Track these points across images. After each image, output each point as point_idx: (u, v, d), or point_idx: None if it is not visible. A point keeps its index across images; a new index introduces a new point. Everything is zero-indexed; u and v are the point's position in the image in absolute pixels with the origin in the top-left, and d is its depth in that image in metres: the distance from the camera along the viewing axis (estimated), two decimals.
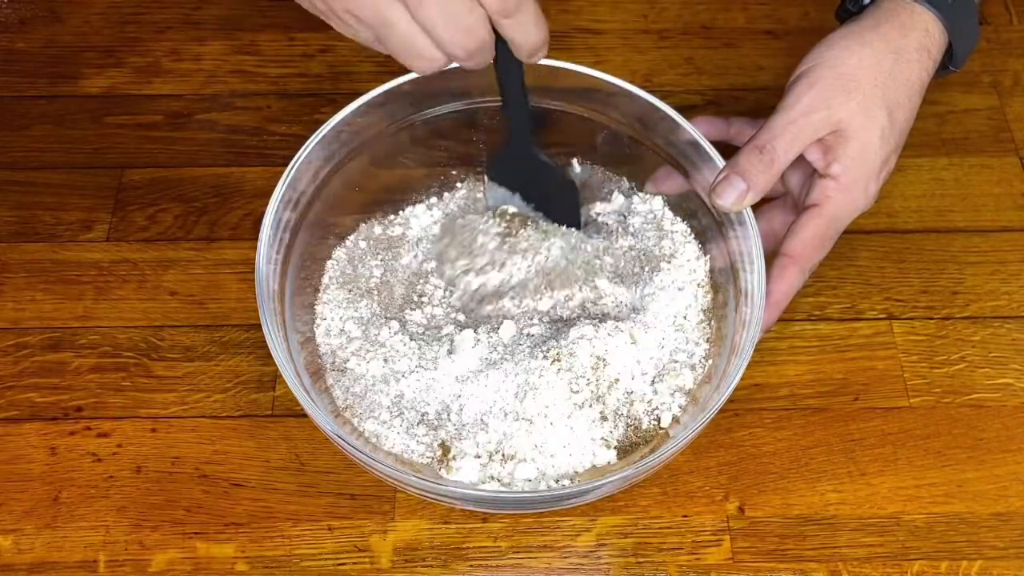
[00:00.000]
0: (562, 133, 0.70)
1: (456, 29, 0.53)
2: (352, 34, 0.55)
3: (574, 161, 0.72)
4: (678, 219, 0.69)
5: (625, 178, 0.71)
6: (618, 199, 0.71)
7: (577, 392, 0.62)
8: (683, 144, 0.66)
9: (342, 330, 0.66)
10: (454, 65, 0.56)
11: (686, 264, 0.66)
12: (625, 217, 0.70)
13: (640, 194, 0.70)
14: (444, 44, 0.53)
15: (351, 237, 0.70)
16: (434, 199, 0.72)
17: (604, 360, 0.62)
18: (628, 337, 0.63)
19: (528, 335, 0.64)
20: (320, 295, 0.67)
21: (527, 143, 0.64)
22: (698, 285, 0.66)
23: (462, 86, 0.67)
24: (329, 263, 0.69)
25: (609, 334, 0.63)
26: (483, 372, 0.62)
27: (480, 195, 0.72)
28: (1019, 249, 0.74)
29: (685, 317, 0.65)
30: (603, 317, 0.65)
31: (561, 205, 0.68)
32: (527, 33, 0.55)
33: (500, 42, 0.56)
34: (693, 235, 0.68)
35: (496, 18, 0.53)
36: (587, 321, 0.64)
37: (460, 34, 0.53)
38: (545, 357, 0.62)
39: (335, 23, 0.55)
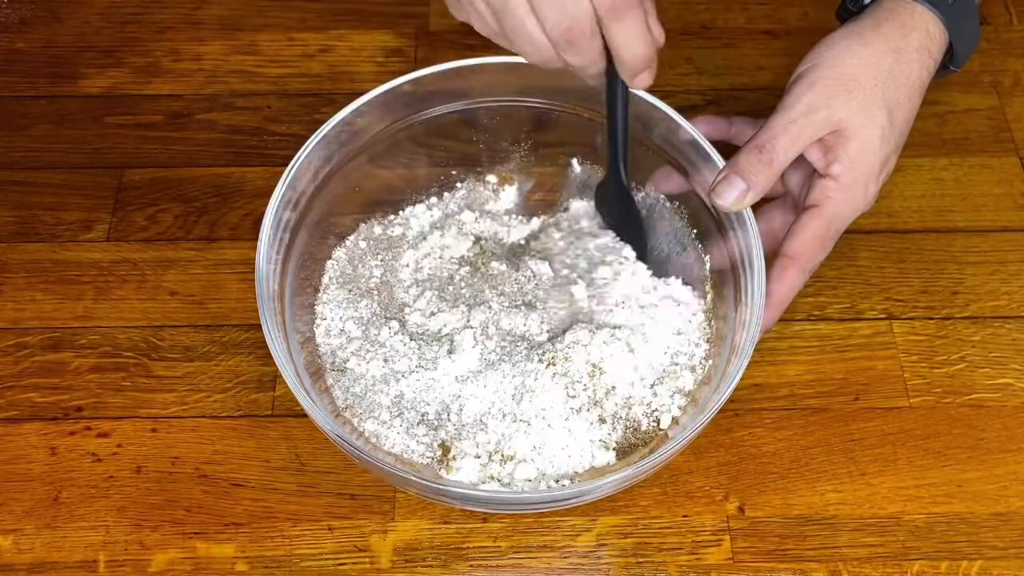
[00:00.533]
0: (562, 133, 0.70)
1: (560, 10, 0.54)
2: (479, 24, 0.57)
3: (574, 161, 0.72)
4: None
5: None
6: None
7: (574, 397, 0.62)
8: (683, 144, 0.65)
9: (342, 330, 0.66)
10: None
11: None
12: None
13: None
14: (545, 23, 0.55)
15: (351, 237, 0.70)
16: (434, 199, 0.72)
17: (600, 369, 0.62)
18: (625, 346, 0.63)
19: (524, 337, 0.64)
20: (320, 295, 0.67)
21: (617, 174, 0.65)
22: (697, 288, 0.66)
23: (462, 86, 0.67)
24: (329, 263, 0.69)
25: (604, 342, 0.62)
26: (482, 373, 0.62)
27: (477, 192, 0.72)
28: (1019, 249, 0.74)
29: (689, 320, 0.65)
30: (599, 324, 0.65)
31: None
32: (630, 43, 0.56)
33: (611, 63, 0.58)
34: (694, 235, 0.68)
35: (602, 16, 0.55)
36: (582, 326, 0.63)
37: (560, 14, 0.54)
38: (540, 360, 0.62)
39: (460, 13, 0.58)
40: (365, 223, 0.70)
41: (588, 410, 0.62)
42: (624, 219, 0.68)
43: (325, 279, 0.68)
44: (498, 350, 0.63)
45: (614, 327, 0.64)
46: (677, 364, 0.64)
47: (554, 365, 0.62)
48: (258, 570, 0.62)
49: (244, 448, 0.65)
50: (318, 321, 0.66)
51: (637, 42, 0.56)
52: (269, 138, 0.79)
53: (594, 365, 0.62)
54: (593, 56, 0.57)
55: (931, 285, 0.72)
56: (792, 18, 0.86)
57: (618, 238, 0.68)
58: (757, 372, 0.68)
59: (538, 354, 0.62)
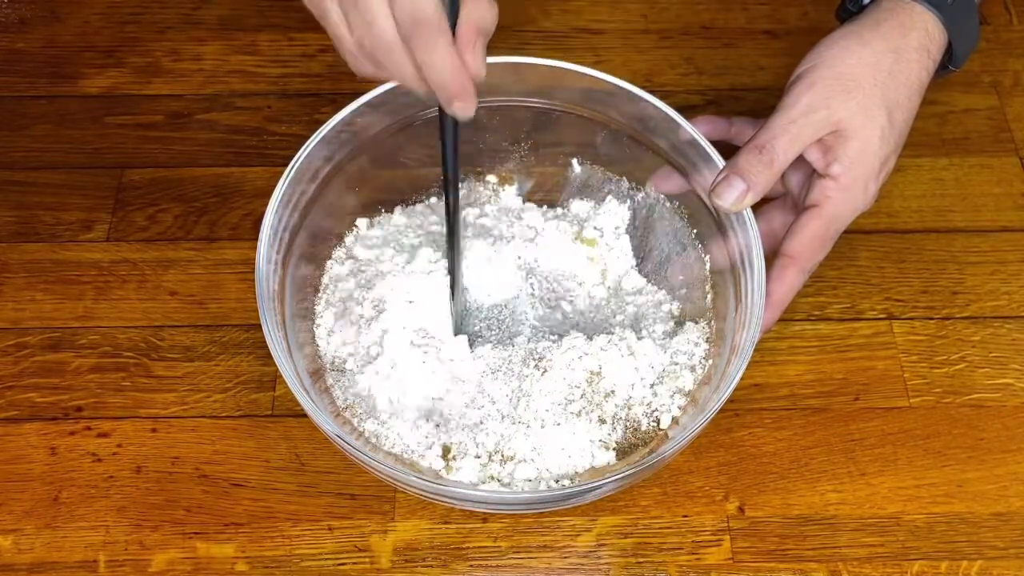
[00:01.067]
0: (562, 133, 0.70)
1: (364, 26, 0.51)
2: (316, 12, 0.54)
3: (574, 161, 0.72)
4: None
5: (625, 178, 0.71)
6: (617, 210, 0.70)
7: (572, 401, 0.62)
8: (683, 144, 0.66)
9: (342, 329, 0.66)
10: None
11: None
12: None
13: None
14: (353, 35, 0.52)
15: (351, 237, 0.70)
16: (434, 199, 0.72)
17: (599, 375, 0.62)
18: (625, 349, 0.63)
19: (521, 342, 0.64)
20: (320, 295, 0.67)
21: (446, 197, 0.60)
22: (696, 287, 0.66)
23: None
24: (329, 263, 0.69)
25: (602, 348, 0.62)
26: (481, 374, 0.62)
27: (477, 192, 0.72)
28: (1019, 249, 0.74)
29: (695, 321, 0.66)
30: (596, 329, 0.64)
31: None
32: (432, 70, 0.50)
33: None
34: (694, 235, 0.68)
35: (403, 37, 0.50)
36: (577, 334, 0.63)
37: (363, 30, 0.51)
38: (536, 367, 0.62)
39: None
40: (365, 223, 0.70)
41: (587, 412, 0.62)
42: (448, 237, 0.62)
43: (325, 279, 0.68)
44: (496, 352, 0.63)
45: (610, 333, 0.64)
46: (677, 364, 0.64)
47: (549, 371, 0.62)
48: (258, 570, 0.62)
49: (244, 448, 0.65)
50: (318, 321, 0.66)
51: (440, 69, 0.50)
52: (269, 138, 0.79)
53: (592, 372, 0.62)
54: (405, 75, 0.52)
55: (931, 285, 0.72)
56: (792, 18, 0.86)
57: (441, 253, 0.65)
58: (757, 372, 0.68)
59: (534, 359, 0.62)
